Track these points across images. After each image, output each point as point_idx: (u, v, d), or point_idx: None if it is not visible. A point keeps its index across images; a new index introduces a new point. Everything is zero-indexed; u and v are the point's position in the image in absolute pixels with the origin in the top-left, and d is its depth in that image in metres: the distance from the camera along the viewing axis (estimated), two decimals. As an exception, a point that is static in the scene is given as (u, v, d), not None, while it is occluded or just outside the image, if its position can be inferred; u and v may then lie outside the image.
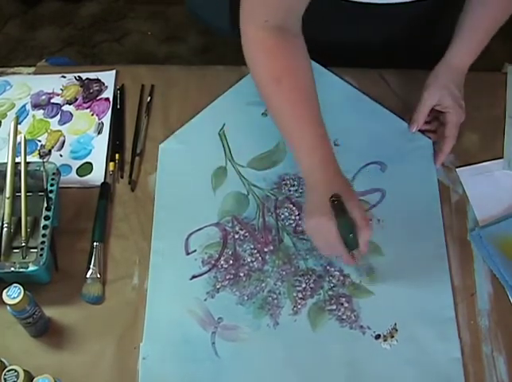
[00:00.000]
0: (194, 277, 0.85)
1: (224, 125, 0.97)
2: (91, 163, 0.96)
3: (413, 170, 0.92)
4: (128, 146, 0.97)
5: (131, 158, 0.96)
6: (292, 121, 0.81)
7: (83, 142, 0.98)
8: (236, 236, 0.88)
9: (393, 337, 0.80)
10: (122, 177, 0.94)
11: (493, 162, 0.93)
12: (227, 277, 0.85)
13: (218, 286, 0.85)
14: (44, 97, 1.03)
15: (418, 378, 0.78)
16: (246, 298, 0.84)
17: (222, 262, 0.86)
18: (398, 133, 0.95)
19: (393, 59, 1.00)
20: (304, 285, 0.84)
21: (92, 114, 1.00)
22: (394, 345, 0.80)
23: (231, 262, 0.86)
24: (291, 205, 0.90)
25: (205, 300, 0.84)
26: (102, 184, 0.93)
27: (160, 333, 0.81)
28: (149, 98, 1.01)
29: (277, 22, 0.81)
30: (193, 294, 0.84)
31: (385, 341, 0.80)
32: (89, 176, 0.94)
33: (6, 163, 0.87)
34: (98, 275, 0.85)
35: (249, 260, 0.86)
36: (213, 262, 0.86)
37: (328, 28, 0.96)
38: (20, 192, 0.86)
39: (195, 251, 0.87)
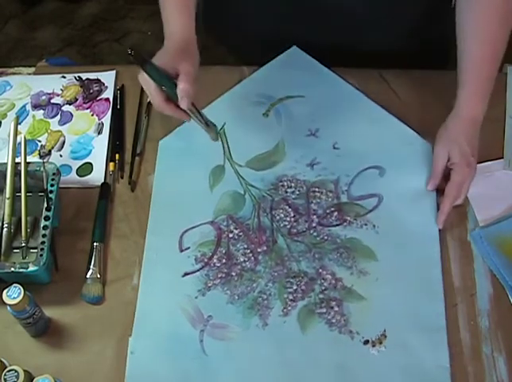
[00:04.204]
0: (186, 274, 0.85)
1: (225, 124, 0.97)
2: (91, 163, 0.96)
3: (411, 176, 0.91)
4: (128, 147, 0.97)
5: (131, 159, 0.96)
6: None
7: (83, 143, 0.98)
8: (230, 235, 0.88)
9: (381, 343, 0.79)
10: (122, 178, 0.94)
11: (493, 162, 0.93)
12: (219, 276, 0.85)
13: (209, 285, 0.85)
14: (44, 97, 1.03)
15: None
16: (236, 297, 0.84)
17: (215, 260, 0.86)
18: (398, 136, 0.94)
19: (393, 59, 1.00)
20: (295, 287, 0.84)
21: (92, 115, 1.01)
22: (382, 351, 0.79)
23: (224, 261, 0.86)
24: (287, 207, 0.90)
25: (196, 298, 0.84)
26: (103, 184, 0.93)
27: (149, 328, 0.82)
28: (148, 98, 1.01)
29: None
30: (184, 291, 0.84)
31: (373, 346, 0.79)
32: (89, 176, 0.95)
33: (6, 163, 0.87)
34: (98, 275, 0.85)
35: (241, 260, 0.86)
36: (206, 260, 0.86)
37: (329, 28, 0.96)
38: (20, 192, 0.86)
39: (188, 248, 0.87)
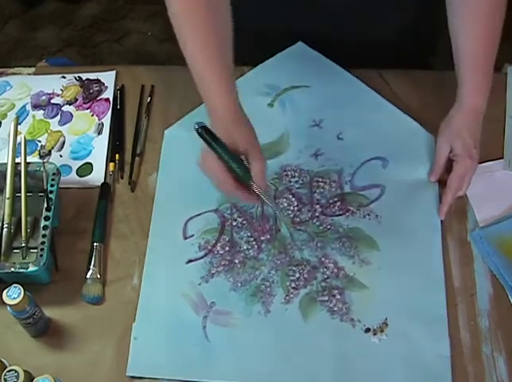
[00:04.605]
0: (190, 261, 0.86)
1: None
2: (91, 163, 0.96)
3: (413, 167, 0.91)
4: (128, 147, 0.97)
5: (131, 159, 0.96)
6: (203, 63, 0.79)
7: (83, 143, 0.98)
8: (234, 223, 0.89)
9: (382, 331, 0.80)
10: (122, 178, 0.94)
11: (493, 162, 0.93)
12: (222, 263, 0.86)
13: (213, 272, 0.85)
14: (44, 97, 1.03)
15: (405, 373, 0.77)
16: (239, 284, 0.84)
17: (218, 248, 0.87)
18: (402, 128, 0.95)
19: (393, 58, 1.00)
20: (297, 275, 0.84)
21: (92, 115, 1.01)
22: (384, 340, 0.79)
23: (227, 248, 0.87)
24: (290, 196, 0.90)
25: (199, 284, 0.84)
26: (103, 184, 0.93)
27: (152, 315, 0.82)
28: (149, 98, 1.01)
29: None
30: (188, 278, 0.85)
31: (374, 334, 0.80)
32: (89, 176, 0.95)
33: (6, 163, 0.87)
34: (99, 276, 0.85)
35: (245, 248, 0.87)
36: (209, 247, 0.87)
37: (329, 28, 0.96)
38: (20, 192, 0.86)
39: (192, 235, 0.88)
